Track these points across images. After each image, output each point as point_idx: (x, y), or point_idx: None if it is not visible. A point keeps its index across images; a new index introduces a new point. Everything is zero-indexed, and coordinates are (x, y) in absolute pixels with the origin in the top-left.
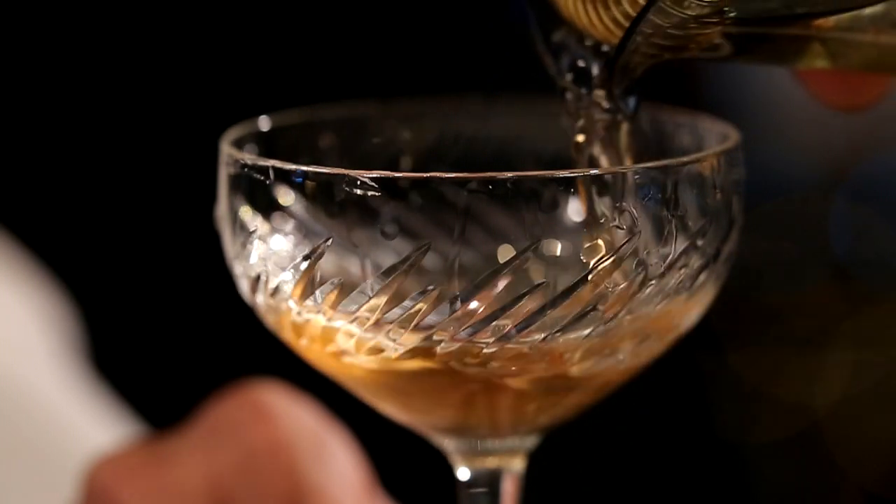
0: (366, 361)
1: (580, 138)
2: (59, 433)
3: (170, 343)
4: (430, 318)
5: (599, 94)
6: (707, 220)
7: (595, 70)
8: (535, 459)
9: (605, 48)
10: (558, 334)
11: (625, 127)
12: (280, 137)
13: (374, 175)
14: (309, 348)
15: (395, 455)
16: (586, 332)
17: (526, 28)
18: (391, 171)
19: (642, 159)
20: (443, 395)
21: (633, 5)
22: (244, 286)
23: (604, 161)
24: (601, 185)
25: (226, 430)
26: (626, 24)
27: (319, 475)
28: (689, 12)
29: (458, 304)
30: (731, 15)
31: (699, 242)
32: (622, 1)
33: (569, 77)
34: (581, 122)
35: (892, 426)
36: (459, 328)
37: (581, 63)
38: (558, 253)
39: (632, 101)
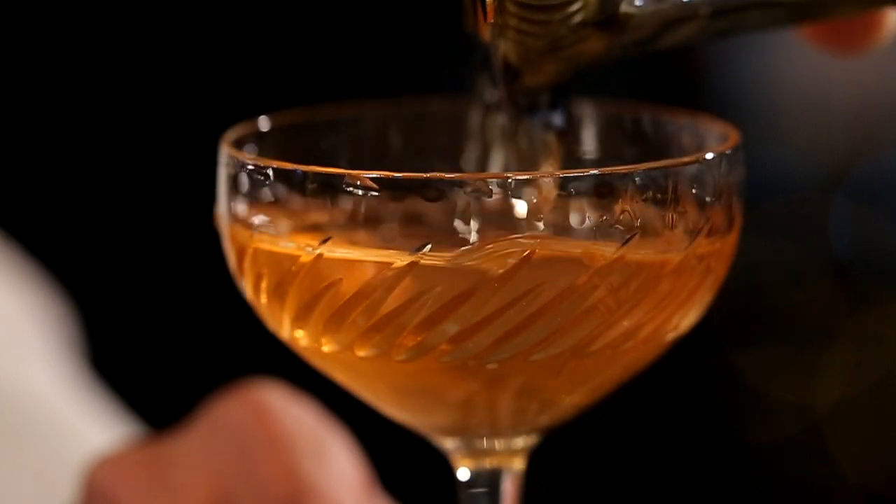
0: (366, 361)
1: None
2: (58, 434)
3: (169, 343)
4: (430, 319)
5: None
6: (707, 220)
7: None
8: (535, 459)
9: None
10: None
11: (551, 140)
12: (280, 137)
13: (374, 175)
14: (309, 348)
15: (395, 455)
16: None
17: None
18: (391, 171)
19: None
20: (443, 394)
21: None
22: (245, 286)
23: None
24: (601, 186)
25: (226, 430)
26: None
27: (319, 475)
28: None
29: (459, 304)
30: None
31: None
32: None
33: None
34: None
35: (892, 426)
36: (459, 328)
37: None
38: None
39: (557, 116)
